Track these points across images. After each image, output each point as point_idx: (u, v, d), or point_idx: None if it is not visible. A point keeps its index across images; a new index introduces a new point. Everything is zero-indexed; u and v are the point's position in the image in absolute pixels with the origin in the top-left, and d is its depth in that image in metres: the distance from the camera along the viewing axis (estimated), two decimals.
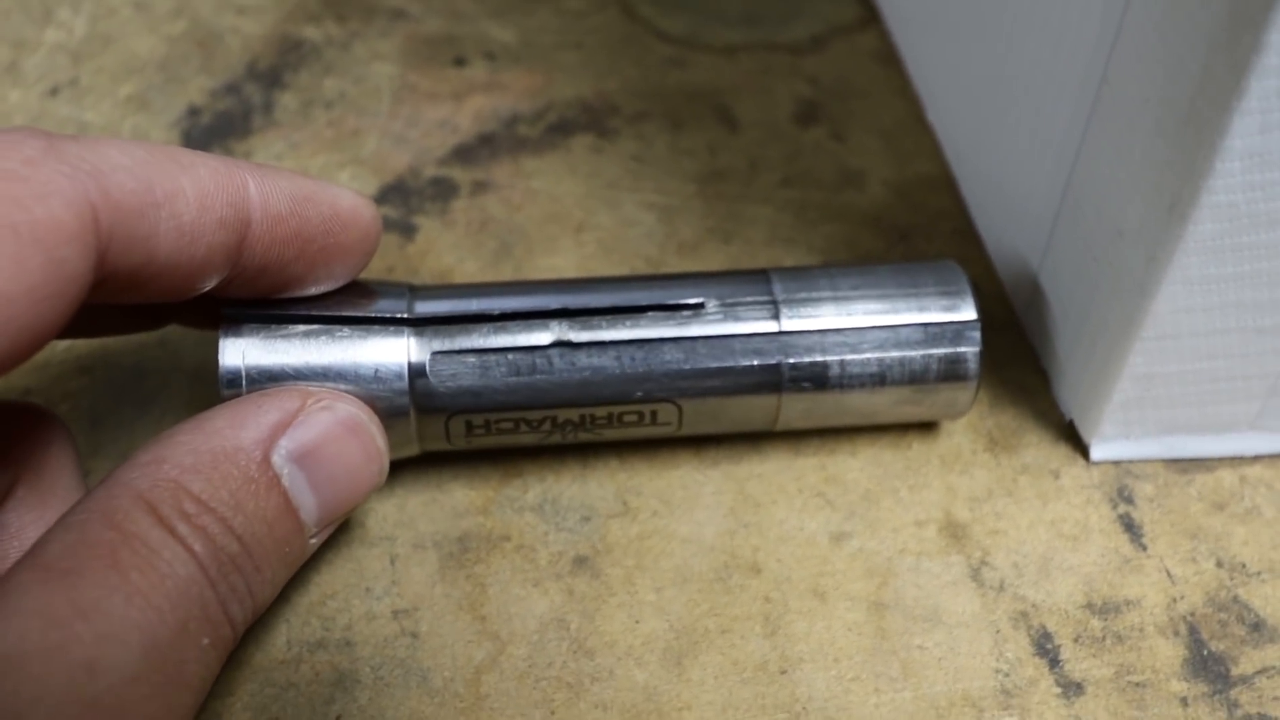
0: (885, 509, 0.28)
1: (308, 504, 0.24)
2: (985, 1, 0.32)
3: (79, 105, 0.38)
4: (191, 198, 0.23)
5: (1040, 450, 0.30)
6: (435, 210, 0.35)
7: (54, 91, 0.38)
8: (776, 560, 0.28)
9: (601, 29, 0.41)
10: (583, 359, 0.26)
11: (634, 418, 0.27)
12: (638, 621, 0.27)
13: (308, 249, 0.25)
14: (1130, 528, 0.28)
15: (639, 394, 0.27)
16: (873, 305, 0.27)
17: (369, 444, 0.25)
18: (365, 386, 0.26)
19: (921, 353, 0.27)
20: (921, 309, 0.27)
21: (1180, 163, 0.23)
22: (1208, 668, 0.26)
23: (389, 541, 0.28)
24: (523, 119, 0.38)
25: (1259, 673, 0.26)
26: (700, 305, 0.27)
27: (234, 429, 0.24)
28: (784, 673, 0.26)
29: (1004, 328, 0.32)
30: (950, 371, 0.27)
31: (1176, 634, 0.26)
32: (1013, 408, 0.30)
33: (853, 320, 0.27)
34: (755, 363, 0.27)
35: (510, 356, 0.26)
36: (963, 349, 0.27)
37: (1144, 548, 0.28)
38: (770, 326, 0.27)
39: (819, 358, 0.27)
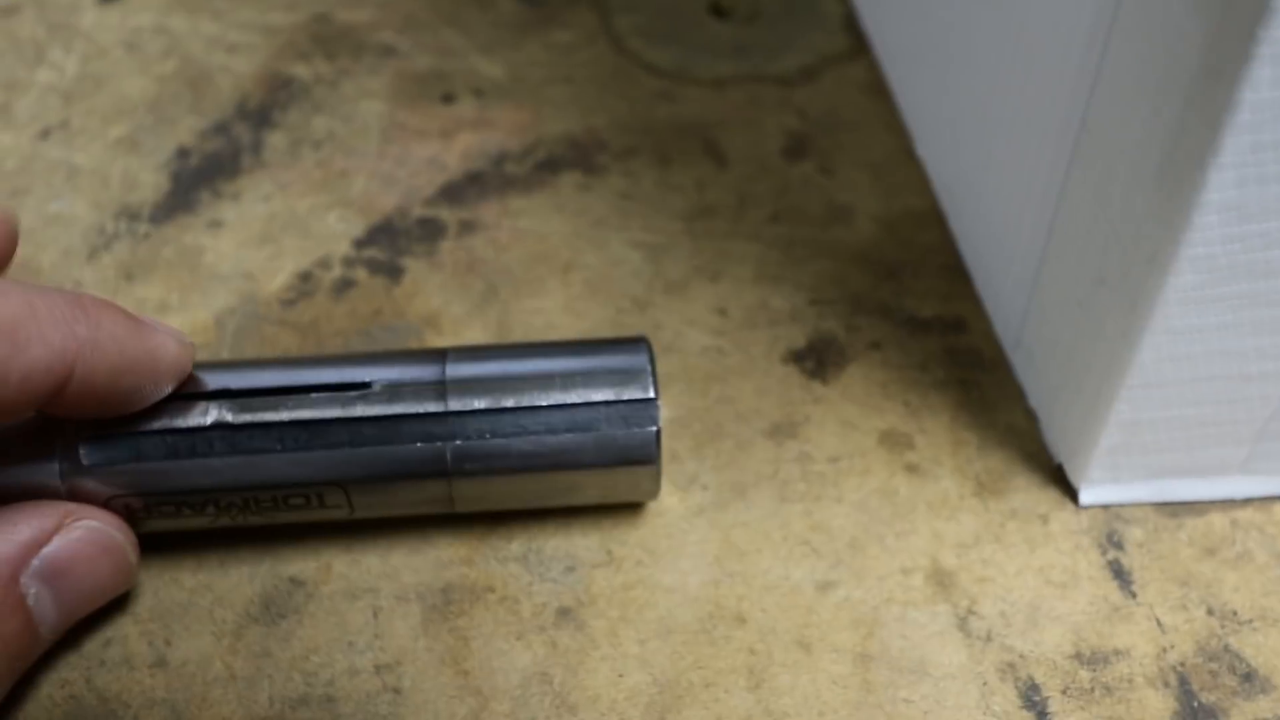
0: (871, 556, 0.28)
1: (49, 619, 0.25)
2: (970, 36, 0.32)
3: (69, 147, 0.38)
4: (14, 382, 0.22)
5: (1029, 494, 0.29)
6: (422, 251, 0.35)
7: (45, 134, 0.38)
8: (761, 610, 0.27)
9: (590, 63, 0.41)
10: (243, 441, 0.26)
11: (300, 500, 0.27)
12: (621, 675, 0.26)
13: (102, 406, 0.25)
14: (1119, 574, 0.28)
15: (301, 477, 0.26)
16: (547, 386, 0.27)
17: (120, 561, 0.26)
18: (15, 471, 0.25)
19: (594, 435, 0.26)
20: (597, 389, 0.27)
21: (1158, 214, 0.23)
22: None
23: (372, 594, 0.28)
24: (510, 156, 0.38)
25: None
26: (367, 385, 0.26)
27: None
28: None
29: (993, 367, 0.32)
30: (628, 454, 0.27)
31: (1166, 685, 0.26)
32: (1001, 450, 0.30)
33: (523, 401, 0.26)
34: (420, 445, 0.26)
35: (168, 439, 0.26)
36: (638, 430, 0.26)
37: (1133, 595, 0.27)
38: (437, 407, 0.26)
39: (487, 440, 0.26)
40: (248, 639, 0.27)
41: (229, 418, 0.26)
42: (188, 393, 0.26)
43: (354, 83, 0.40)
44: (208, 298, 0.34)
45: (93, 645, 0.27)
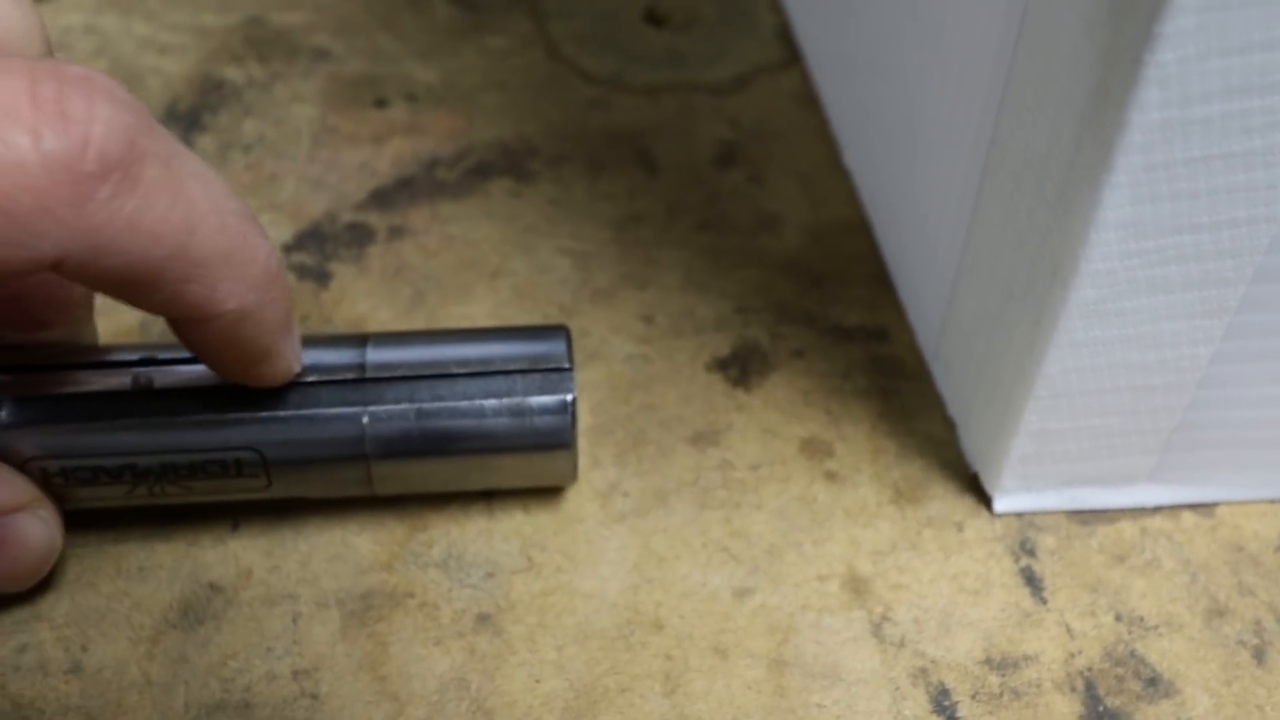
0: (789, 563, 0.29)
1: None
2: (894, 50, 0.32)
3: None
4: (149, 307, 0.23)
5: (945, 502, 0.30)
6: (350, 257, 0.35)
7: None
8: (679, 617, 0.28)
9: (524, 69, 0.41)
10: (162, 405, 0.26)
11: (217, 468, 0.27)
12: (538, 681, 0.27)
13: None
14: (1031, 581, 0.28)
15: (218, 442, 0.27)
16: (465, 361, 0.27)
17: (47, 558, 0.26)
18: None
19: (509, 403, 0.27)
20: (514, 363, 0.27)
21: (1060, 230, 0.23)
22: None
23: (292, 599, 0.28)
24: (442, 162, 0.38)
25: None
26: None
27: None
28: None
29: (914, 376, 0.32)
30: (544, 428, 0.27)
31: (1073, 689, 0.27)
32: (920, 458, 0.31)
33: (440, 371, 0.27)
34: (337, 410, 0.27)
35: (88, 402, 0.26)
36: (553, 398, 0.27)
37: (1044, 601, 0.28)
38: (354, 375, 0.27)
39: (404, 407, 0.27)
40: (165, 645, 0.27)
41: (150, 383, 0.26)
42: (111, 359, 0.27)
43: (286, 86, 0.40)
44: None
45: (6, 651, 0.27)
